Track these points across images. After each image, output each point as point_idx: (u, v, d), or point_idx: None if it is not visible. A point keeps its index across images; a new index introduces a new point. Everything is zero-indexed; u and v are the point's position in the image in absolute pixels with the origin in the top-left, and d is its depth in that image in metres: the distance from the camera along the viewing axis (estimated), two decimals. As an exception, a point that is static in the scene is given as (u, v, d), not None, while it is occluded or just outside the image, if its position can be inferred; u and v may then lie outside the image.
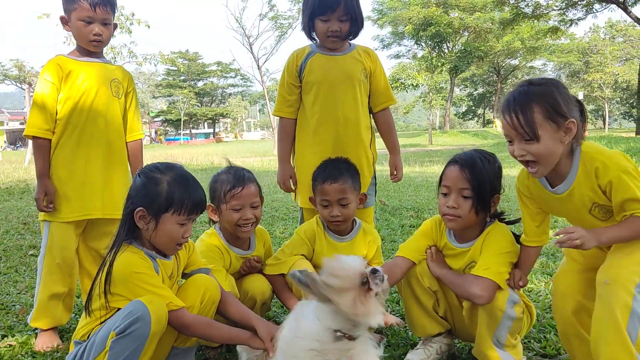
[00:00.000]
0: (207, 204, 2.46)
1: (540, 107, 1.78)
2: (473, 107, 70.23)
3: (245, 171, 2.55)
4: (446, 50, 41.14)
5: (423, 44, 39.94)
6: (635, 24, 20.32)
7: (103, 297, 1.90)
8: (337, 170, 2.50)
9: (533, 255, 2.11)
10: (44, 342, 2.53)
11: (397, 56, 46.92)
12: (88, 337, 1.92)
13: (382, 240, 4.81)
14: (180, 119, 62.93)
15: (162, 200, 1.95)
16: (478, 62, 43.72)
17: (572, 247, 1.79)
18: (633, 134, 26.49)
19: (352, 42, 2.80)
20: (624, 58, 52.56)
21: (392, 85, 42.86)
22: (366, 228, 2.67)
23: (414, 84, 38.00)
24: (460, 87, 62.91)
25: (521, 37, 41.10)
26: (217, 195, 2.49)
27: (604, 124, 54.08)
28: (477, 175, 2.11)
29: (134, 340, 1.79)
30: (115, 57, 20.16)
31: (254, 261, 2.58)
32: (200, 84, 70.16)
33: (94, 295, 1.94)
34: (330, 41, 2.68)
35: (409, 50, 46.15)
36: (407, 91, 41.79)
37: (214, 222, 2.60)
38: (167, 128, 71.13)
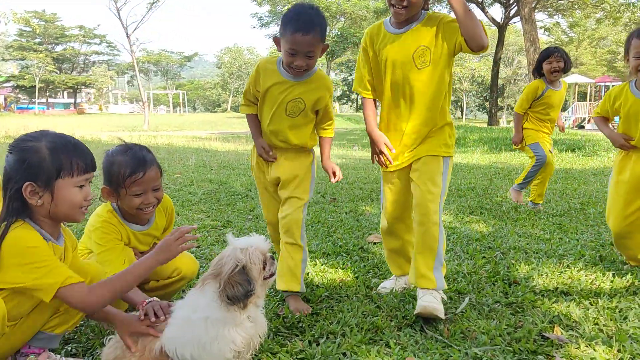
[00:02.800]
0: (103, 186, 2.33)
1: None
2: (347, 92, 72.49)
3: (145, 151, 2.39)
4: (323, 34, 41.82)
5: (300, 25, 40.20)
6: (491, 23, 22.31)
7: None
8: (310, 22, 2.48)
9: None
10: None
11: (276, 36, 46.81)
12: None
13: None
14: (35, 85, 57.04)
15: (49, 167, 1.78)
16: (353, 48, 45.04)
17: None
18: (485, 125, 29.24)
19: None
20: (480, 55, 57.59)
21: (269, 65, 43.02)
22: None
23: (291, 65, 38.23)
24: (336, 72, 64.53)
25: (392, 27, 43.08)
26: (114, 179, 2.31)
27: (462, 114, 59.07)
28: None
29: None
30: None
31: None
32: (58, 48, 63.98)
33: None
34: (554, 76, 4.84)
35: (287, 31, 46.23)
36: (283, 72, 41.96)
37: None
38: (19, 95, 64.12)
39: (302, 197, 2.75)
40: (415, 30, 2.56)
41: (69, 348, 2.23)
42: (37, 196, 1.80)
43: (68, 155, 1.83)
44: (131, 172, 2.28)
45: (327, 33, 2.66)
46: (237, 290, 1.87)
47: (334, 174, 2.86)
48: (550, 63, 5.03)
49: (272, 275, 1.98)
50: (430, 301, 2.45)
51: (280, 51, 2.62)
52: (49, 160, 1.79)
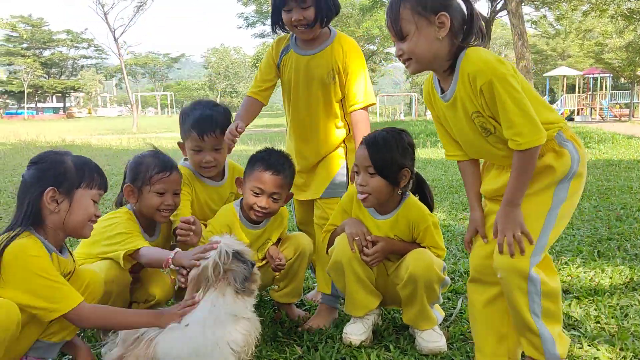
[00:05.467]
0: (126, 184, 2.40)
1: (408, 3, 1.77)
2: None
3: (170, 158, 2.48)
4: (310, 32, 41.77)
5: (288, 24, 40.12)
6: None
7: None
8: (281, 163, 2.42)
9: (471, 173, 2.02)
10: None
11: (262, 35, 46.62)
12: None
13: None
14: (24, 90, 56.53)
15: (73, 175, 1.90)
16: (340, 46, 45.02)
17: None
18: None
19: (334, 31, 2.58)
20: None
21: (256, 65, 42.69)
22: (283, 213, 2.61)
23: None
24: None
25: (379, 24, 43.10)
26: (140, 177, 2.37)
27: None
28: (380, 154, 2.20)
29: None
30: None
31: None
32: (46, 53, 63.48)
33: None
34: (299, 32, 2.48)
35: (274, 30, 46.16)
36: (272, 71, 41.87)
37: (120, 205, 2.49)
38: (8, 100, 63.56)
39: None
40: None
41: (66, 359, 2.18)
42: (56, 203, 1.87)
43: (89, 169, 1.97)
44: (159, 170, 2.36)
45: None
46: (242, 271, 1.91)
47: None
48: (290, 11, 2.43)
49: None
50: (434, 340, 2.24)
51: (241, 192, 2.49)
52: (73, 170, 1.92)
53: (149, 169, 2.37)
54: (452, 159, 2.06)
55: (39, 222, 1.88)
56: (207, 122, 2.50)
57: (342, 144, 2.69)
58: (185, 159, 2.67)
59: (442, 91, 1.90)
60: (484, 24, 1.85)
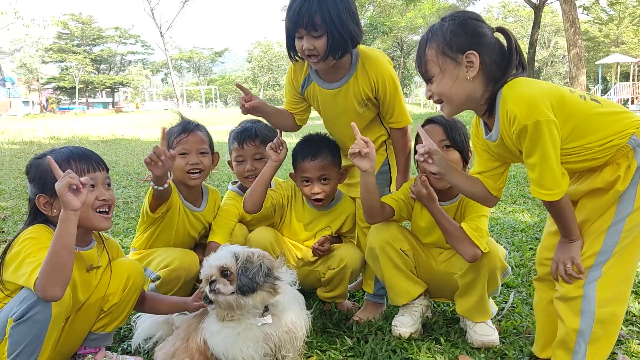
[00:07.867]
0: None
1: (434, 43, 1.71)
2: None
3: (196, 124, 2.61)
4: (353, 24, 41.48)
5: (330, 16, 39.97)
6: (526, 4, 21.69)
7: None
8: (316, 147, 2.49)
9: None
10: None
11: (305, 28, 46.77)
12: None
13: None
14: (75, 86, 58.65)
15: (52, 175, 1.78)
16: (383, 37, 44.58)
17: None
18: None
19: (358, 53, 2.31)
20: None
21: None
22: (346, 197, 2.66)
23: (321, 57, 38.15)
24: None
25: (423, 14, 42.47)
26: (168, 144, 2.48)
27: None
28: (456, 128, 2.25)
29: (34, 325, 1.68)
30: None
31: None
32: (96, 49, 65.55)
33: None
34: (312, 62, 2.26)
35: (317, 22, 46.12)
36: (314, 63, 41.93)
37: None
38: (60, 96, 66.04)
39: None
40: None
41: (125, 346, 2.29)
42: (50, 205, 1.87)
43: (68, 161, 1.88)
44: (179, 132, 2.52)
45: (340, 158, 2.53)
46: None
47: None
48: (301, 38, 2.23)
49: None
50: (487, 333, 2.22)
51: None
52: (51, 170, 1.80)
53: (172, 133, 2.52)
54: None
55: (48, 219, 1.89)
56: (246, 132, 2.67)
57: (383, 144, 2.55)
58: (234, 182, 2.82)
59: (488, 129, 1.80)
60: (524, 56, 1.76)
